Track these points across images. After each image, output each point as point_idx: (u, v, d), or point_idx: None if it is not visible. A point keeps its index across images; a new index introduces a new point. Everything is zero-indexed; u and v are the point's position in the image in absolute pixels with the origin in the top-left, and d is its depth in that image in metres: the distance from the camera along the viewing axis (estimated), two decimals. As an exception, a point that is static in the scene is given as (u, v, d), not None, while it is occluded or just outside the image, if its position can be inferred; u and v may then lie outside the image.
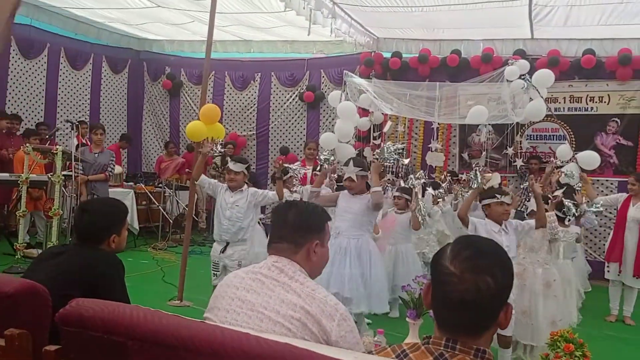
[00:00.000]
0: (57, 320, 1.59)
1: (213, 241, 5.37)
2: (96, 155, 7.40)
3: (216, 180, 5.49)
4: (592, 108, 8.31)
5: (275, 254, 2.03)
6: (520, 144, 7.86)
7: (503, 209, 4.23)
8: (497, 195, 4.29)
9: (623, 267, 6.03)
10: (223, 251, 5.04)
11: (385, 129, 8.08)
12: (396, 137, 9.05)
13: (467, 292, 1.33)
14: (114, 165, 7.71)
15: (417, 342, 1.41)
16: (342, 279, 4.44)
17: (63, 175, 6.41)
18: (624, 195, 6.33)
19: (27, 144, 6.62)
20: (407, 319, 3.02)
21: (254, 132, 10.80)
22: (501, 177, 7.93)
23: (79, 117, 9.71)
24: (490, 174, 6.67)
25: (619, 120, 8.12)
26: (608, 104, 8.21)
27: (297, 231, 2.05)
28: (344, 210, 4.71)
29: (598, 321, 5.90)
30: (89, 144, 7.86)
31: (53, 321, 1.70)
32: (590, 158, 6.62)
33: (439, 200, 6.63)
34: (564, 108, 8.42)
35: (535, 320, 4.45)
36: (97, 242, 2.54)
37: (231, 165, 5.13)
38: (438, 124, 8.50)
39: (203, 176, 5.28)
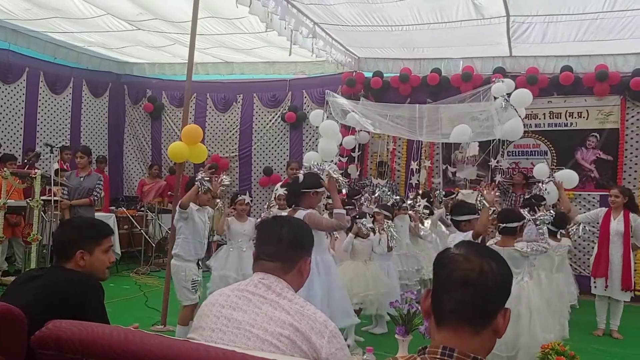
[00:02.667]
0: (33, 344, 1.53)
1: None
2: (81, 179, 7.22)
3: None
4: (571, 123, 8.42)
5: (262, 271, 1.97)
6: (499, 163, 7.91)
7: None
8: (479, 212, 4.30)
9: (609, 282, 6.05)
10: (199, 267, 5.16)
11: (375, 147, 8.12)
12: (379, 155, 9.08)
13: (472, 271, 1.36)
14: (101, 190, 7.56)
15: (413, 355, 1.37)
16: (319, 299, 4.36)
17: (42, 200, 6.29)
18: (604, 209, 6.37)
19: (5, 169, 6.49)
20: (396, 336, 2.96)
21: (237, 154, 10.75)
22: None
23: (60, 142, 9.60)
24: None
25: (598, 135, 8.23)
26: (587, 119, 8.33)
27: (291, 249, 2.00)
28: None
29: (585, 336, 5.88)
30: (69, 168, 7.73)
31: (29, 345, 1.63)
32: (569, 176, 6.69)
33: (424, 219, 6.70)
34: (544, 124, 8.52)
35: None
36: (65, 258, 2.44)
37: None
38: (421, 142, 8.56)
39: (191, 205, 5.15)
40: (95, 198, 7.39)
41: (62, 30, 8.68)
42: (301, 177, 4.38)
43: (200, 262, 5.19)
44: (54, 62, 9.92)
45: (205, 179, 5.06)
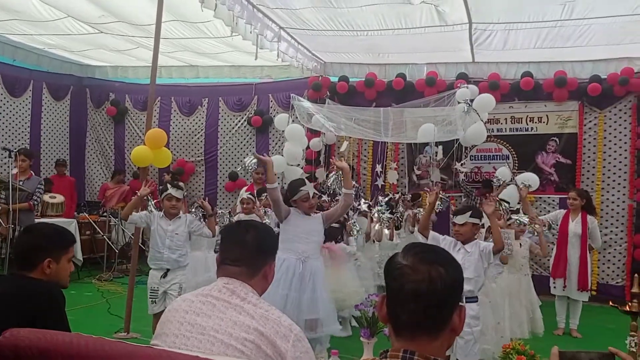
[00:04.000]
0: (-10, 353, 1.48)
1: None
2: (21, 182, 6.99)
3: (145, 212, 5.31)
4: (532, 128, 8.63)
5: (226, 276, 1.96)
6: (463, 165, 8.04)
7: (454, 228, 4.30)
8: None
9: (568, 282, 6.22)
10: (164, 276, 4.95)
11: (343, 148, 8.13)
12: (345, 158, 9.11)
13: (422, 282, 1.35)
14: (42, 193, 7.34)
15: (375, 358, 1.39)
16: (316, 304, 4.36)
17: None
18: (562, 211, 6.55)
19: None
20: (361, 338, 2.98)
21: (203, 158, 10.66)
22: (449, 196, 8.12)
23: (19, 146, 9.33)
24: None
25: (557, 140, 8.45)
26: (547, 124, 8.54)
27: (256, 254, 1.99)
28: (308, 232, 4.55)
29: (546, 335, 6.01)
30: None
31: (-15, 355, 1.59)
32: (530, 179, 6.86)
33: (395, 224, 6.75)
34: (505, 129, 8.71)
35: (483, 328, 4.54)
36: (30, 266, 2.38)
37: (173, 191, 5.02)
38: (387, 145, 8.63)
39: (133, 214, 5.05)
40: (35, 202, 7.17)
41: (21, 32, 8.46)
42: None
43: (167, 273, 4.95)
44: (12, 64, 9.66)
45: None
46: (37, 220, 7.05)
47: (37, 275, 2.38)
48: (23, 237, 2.52)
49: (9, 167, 7.02)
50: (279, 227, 4.61)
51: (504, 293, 5.32)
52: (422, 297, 1.35)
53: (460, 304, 1.42)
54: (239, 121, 10.45)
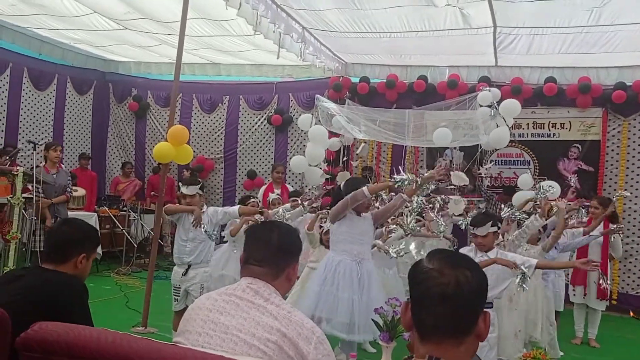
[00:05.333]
0: (18, 345, 1.51)
1: (178, 265, 5.26)
2: (54, 175, 7.11)
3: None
4: (554, 134, 8.53)
5: (250, 275, 1.97)
6: (487, 170, 7.96)
7: (476, 240, 4.26)
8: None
9: (587, 290, 6.14)
10: (185, 274, 4.98)
11: (359, 151, 8.09)
12: (364, 160, 9.09)
13: (448, 285, 1.36)
14: (72, 185, 7.46)
15: None
16: (373, 306, 4.30)
17: (23, 197, 6.20)
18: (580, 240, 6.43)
19: (-14, 165, 6.40)
20: (380, 342, 2.98)
21: (222, 155, 10.71)
22: (468, 201, 8.03)
23: (42, 139, 9.47)
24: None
25: (580, 146, 8.35)
26: (569, 130, 8.44)
27: (280, 254, 2.00)
28: (361, 233, 4.51)
29: (563, 344, 5.95)
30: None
31: (13, 346, 1.62)
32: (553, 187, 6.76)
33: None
34: (527, 134, 8.62)
35: (503, 334, 4.50)
36: (64, 258, 2.43)
37: (184, 189, 5.11)
38: (406, 147, 8.57)
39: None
40: (70, 194, 7.29)
41: (48, 27, 8.59)
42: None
43: (188, 270, 4.98)
44: (38, 58, 9.79)
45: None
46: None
47: (67, 269, 2.42)
48: (62, 229, 2.55)
49: (33, 159, 7.11)
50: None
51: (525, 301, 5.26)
52: (449, 300, 1.35)
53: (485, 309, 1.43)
54: (259, 120, 10.49)
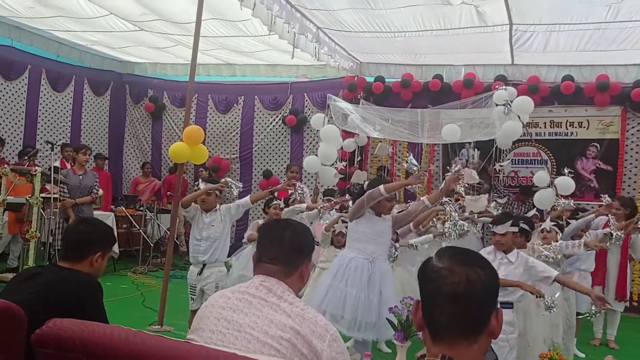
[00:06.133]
0: (33, 342, 1.52)
1: (194, 264, 5.29)
2: (80, 177, 7.21)
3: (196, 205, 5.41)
4: (572, 133, 8.44)
5: (263, 273, 1.96)
6: (502, 167, 7.88)
7: (495, 238, 4.23)
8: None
9: (606, 291, 6.05)
10: (200, 273, 5.01)
11: (377, 151, 8.06)
12: (379, 160, 9.07)
13: (459, 284, 1.34)
14: (98, 187, 7.56)
15: None
16: (383, 306, 4.28)
17: (42, 197, 6.28)
18: (604, 218, 6.35)
19: (5, 166, 6.48)
20: (394, 341, 2.96)
21: (238, 155, 10.75)
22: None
23: (60, 139, 9.58)
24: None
25: (598, 145, 8.24)
26: (587, 129, 8.34)
27: (293, 252, 1.99)
28: (378, 234, 4.49)
29: (582, 345, 5.88)
30: (70, 166, 7.68)
31: (28, 343, 1.63)
32: (567, 183, 6.68)
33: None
34: (544, 133, 8.54)
35: (532, 341, 4.44)
36: (81, 256, 2.47)
37: (202, 185, 5.19)
38: (421, 146, 8.53)
39: (192, 204, 5.20)
40: (96, 196, 7.39)
41: (65, 29, 8.69)
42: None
43: (203, 269, 5.02)
44: (56, 60, 9.93)
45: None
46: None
47: (83, 267, 2.46)
48: (79, 228, 2.59)
49: (50, 159, 7.20)
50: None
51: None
52: (460, 299, 1.33)
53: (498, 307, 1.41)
54: (274, 120, 10.51)
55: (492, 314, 1.38)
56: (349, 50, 8.75)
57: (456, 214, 5.46)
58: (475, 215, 6.54)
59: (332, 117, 7.74)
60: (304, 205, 5.80)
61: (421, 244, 5.47)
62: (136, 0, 6.97)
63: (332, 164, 6.99)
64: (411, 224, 5.37)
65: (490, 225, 4.57)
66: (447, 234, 5.38)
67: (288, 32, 6.77)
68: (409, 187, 7.30)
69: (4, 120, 9.25)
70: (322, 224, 5.77)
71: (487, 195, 6.96)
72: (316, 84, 10.17)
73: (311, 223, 5.71)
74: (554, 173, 8.22)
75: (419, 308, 1.43)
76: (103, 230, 2.62)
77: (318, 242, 5.32)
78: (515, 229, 4.20)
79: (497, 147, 7.61)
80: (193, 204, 5.14)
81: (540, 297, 3.89)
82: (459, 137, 7.25)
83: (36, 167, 6.46)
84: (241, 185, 5.56)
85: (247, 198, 5.30)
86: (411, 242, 5.43)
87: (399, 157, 9.29)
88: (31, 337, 1.53)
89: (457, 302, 1.33)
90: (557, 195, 6.22)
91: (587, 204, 8.17)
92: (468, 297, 1.34)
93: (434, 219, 6.10)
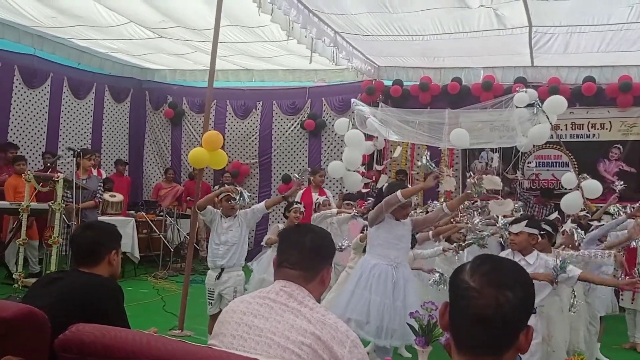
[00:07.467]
0: (56, 347, 1.54)
1: (213, 269, 5.31)
2: (84, 181, 7.16)
3: (216, 210, 5.43)
4: (593, 135, 8.33)
5: (284, 278, 1.96)
6: (517, 175, 7.80)
7: (510, 238, 4.17)
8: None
9: (637, 295, 5.93)
10: (218, 277, 5.02)
11: (396, 154, 8.03)
12: (398, 163, 9.01)
13: (487, 307, 1.28)
14: (103, 191, 7.58)
15: None
16: (407, 312, 4.24)
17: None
18: (632, 221, 6.23)
19: (28, 172, 6.57)
20: (415, 346, 2.93)
21: (257, 160, 10.79)
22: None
23: (81, 146, 9.70)
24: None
25: (621, 147, 8.12)
26: (610, 130, 8.22)
27: (314, 257, 1.99)
28: (398, 238, 4.44)
29: (607, 350, 5.76)
30: (91, 172, 7.71)
31: (51, 348, 1.64)
32: (594, 186, 6.56)
33: None
34: (566, 135, 8.42)
35: (556, 347, 4.37)
36: (96, 260, 2.50)
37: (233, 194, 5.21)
38: (441, 150, 8.46)
39: (208, 206, 5.22)
40: (99, 200, 7.39)
41: (86, 37, 8.82)
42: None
43: (221, 274, 5.02)
44: (77, 67, 10.08)
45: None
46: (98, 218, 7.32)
47: (102, 269, 2.51)
48: (86, 233, 2.62)
49: (72, 166, 7.28)
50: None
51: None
52: (488, 322, 1.29)
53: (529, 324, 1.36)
54: (293, 124, 10.53)
55: (522, 332, 1.33)
56: (367, 54, 8.74)
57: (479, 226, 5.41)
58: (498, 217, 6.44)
59: (355, 122, 7.70)
60: (334, 210, 5.80)
61: (430, 257, 5.40)
62: (155, 8, 7.05)
63: (358, 169, 6.95)
64: (430, 233, 5.33)
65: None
66: (467, 244, 5.30)
67: (306, 36, 6.79)
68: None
69: (27, 127, 9.40)
70: (359, 225, 5.75)
71: (512, 200, 6.84)
72: (334, 88, 10.18)
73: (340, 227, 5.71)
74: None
75: (447, 311, 1.39)
76: (108, 231, 2.68)
77: (340, 248, 5.28)
78: (531, 230, 4.12)
79: (516, 148, 7.49)
80: (211, 207, 5.17)
81: (555, 284, 3.82)
82: (468, 142, 7.13)
83: (58, 174, 6.53)
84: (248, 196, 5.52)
85: (262, 203, 5.31)
86: (418, 252, 5.34)
87: (418, 161, 9.23)
88: (54, 342, 1.54)
89: (484, 325, 1.29)
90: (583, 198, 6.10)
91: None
92: (495, 321, 1.28)
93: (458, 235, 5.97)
